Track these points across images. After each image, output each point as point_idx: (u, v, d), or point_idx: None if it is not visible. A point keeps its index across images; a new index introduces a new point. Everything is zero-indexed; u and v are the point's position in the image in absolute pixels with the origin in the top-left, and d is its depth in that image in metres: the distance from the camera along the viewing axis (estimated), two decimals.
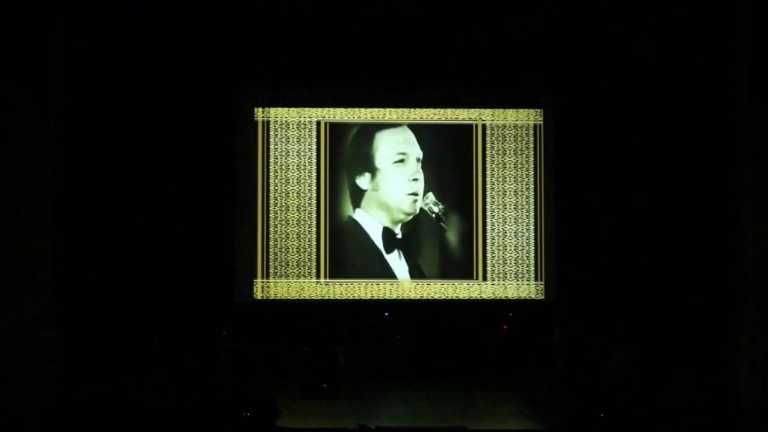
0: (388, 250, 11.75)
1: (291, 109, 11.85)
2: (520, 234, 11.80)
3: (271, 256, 11.72)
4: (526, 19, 10.94)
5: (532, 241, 11.79)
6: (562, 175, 11.70)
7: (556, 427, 8.39)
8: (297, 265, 11.72)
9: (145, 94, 11.11)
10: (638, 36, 10.89)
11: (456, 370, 11.25)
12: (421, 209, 11.76)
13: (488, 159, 11.86)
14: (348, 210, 11.79)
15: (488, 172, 11.85)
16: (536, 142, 11.85)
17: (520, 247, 11.79)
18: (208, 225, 11.41)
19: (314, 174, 11.78)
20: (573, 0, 10.79)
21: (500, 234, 11.81)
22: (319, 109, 11.85)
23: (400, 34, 11.13)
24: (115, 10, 10.40)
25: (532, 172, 11.83)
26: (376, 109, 11.89)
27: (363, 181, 11.78)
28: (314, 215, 11.76)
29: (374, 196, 11.78)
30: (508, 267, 11.78)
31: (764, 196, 9.33)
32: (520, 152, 11.86)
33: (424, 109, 11.89)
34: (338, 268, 11.74)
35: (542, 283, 11.76)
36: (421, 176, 11.75)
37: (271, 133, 11.83)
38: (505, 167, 11.86)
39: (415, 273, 11.78)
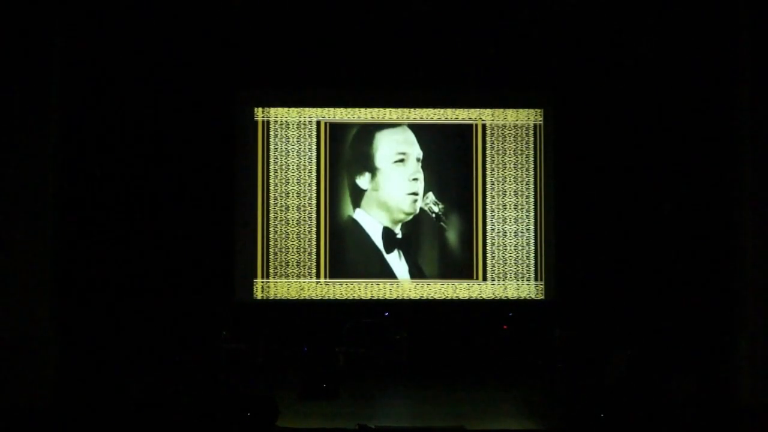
0: (388, 250, 11.75)
1: (291, 109, 11.85)
2: (520, 234, 11.80)
3: (271, 256, 11.72)
4: (526, 19, 10.93)
5: (532, 241, 11.79)
6: (562, 175, 11.70)
7: (556, 427, 8.39)
8: (297, 265, 11.72)
9: (145, 94, 11.10)
10: (638, 36, 10.88)
11: (456, 370, 11.25)
12: (421, 209, 11.76)
13: (488, 159, 11.86)
14: (348, 210, 11.79)
15: (488, 172, 11.84)
16: (536, 142, 11.85)
17: (520, 247, 11.79)
18: (208, 225, 11.41)
19: (314, 174, 11.78)
20: (573, 0, 10.78)
21: (500, 234, 11.81)
22: (319, 109, 11.85)
23: (400, 34, 11.13)
24: (115, 10, 10.39)
25: (532, 172, 11.83)
26: (376, 109, 11.89)
27: (363, 180, 11.78)
28: (314, 215, 11.76)
29: (374, 195, 11.78)
30: (508, 267, 11.78)
31: (764, 196, 9.34)
32: (520, 152, 11.86)
33: (424, 109, 11.89)
34: (338, 268, 11.74)
35: (542, 283, 11.76)
36: (421, 176, 11.75)
37: (271, 133, 11.83)
38: (505, 167, 11.85)
39: (415, 273, 11.78)
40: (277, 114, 11.86)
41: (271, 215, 11.75)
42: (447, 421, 8.64)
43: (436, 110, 11.89)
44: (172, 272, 11.16)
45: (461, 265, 11.79)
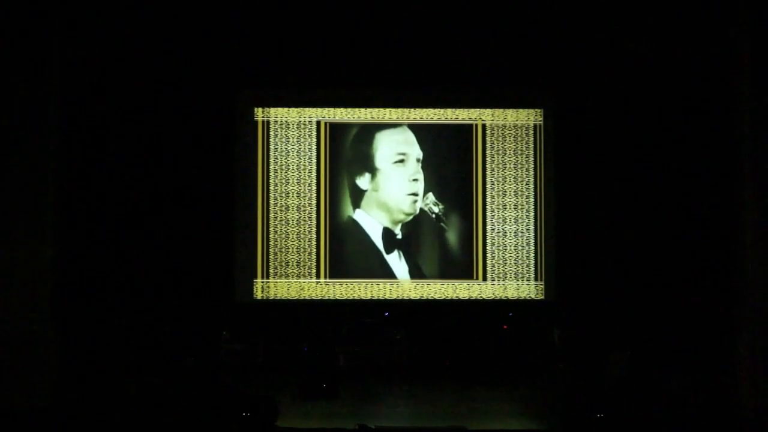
0: (388, 251, 11.75)
1: (291, 109, 11.85)
2: (520, 234, 11.80)
3: (271, 256, 11.72)
4: (527, 20, 10.93)
5: (532, 241, 11.79)
6: (562, 175, 11.70)
7: (556, 427, 8.39)
8: (297, 265, 11.72)
9: (145, 94, 11.10)
10: (638, 36, 10.88)
11: (456, 369, 11.25)
12: (421, 209, 11.75)
13: (488, 159, 11.86)
14: (348, 210, 11.79)
15: (488, 172, 11.84)
16: (536, 142, 11.85)
17: (520, 247, 11.79)
18: (208, 225, 11.41)
19: (314, 174, 11.78)
20: (573, 0, 10.78)
21: (500, 234, 11.81)
22: (319, 109, 11.85)
23: (400, 34, 11.13)
24: (115, 10, 10.39)
25: (532, 172, 11.83)
26: (376, 109, 11.89)
27: (363, 181, 11.78)
28: (314, 215, 11.76)
29: (374, 196, 11.77)
30: (508, 267, 11.78)
31: (764, 195, 9.33)
32: (520, 152, 11.86)
33: (424, 109, 11.89)
34: (338, 268, 11.74)
35: (542, 283, 11.76)
36: (421, 176, 11.75)
37: (271, 133, 11.83)
38: (505, 167, 11.85)
39: (415, 273, 11.78)
40: (277, 114, 11.86)
41: (271, 215, 11.75)
42: (447, 421, 8.64)
43: (436, 110, 11.90)
44: (172, 272, 11.16)
45: (461, 265, 11.79)
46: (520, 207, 11.82)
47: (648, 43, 10.86)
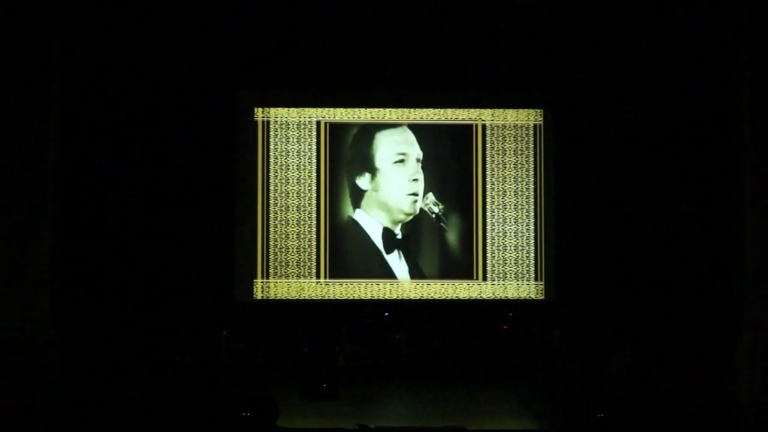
0: (388, 251, 11.75)
1: (291, 109, 11.85)
2: (520, 234, 11.80)
3: (271, 256, 11.71)
4: (527, 20, 10.93)
5: (532, 241, 11.79)
6: (562, 175, 11.70)
7: (556, 427, 8.39)
8: (297, 265, 11.72)
9: (145, 94, 11.10)
10: (638, 36, 10.88)
11: (456, 370, 11.25)
12: (421, 209, 11.75)
13: (488, 159, 11.86)
14: (348, 210, 11.79)
15: (488, 172, 11.84)
16: (536, 142, 11.85)
17: (520, 247, 11.79)
18: (208, 225, 11.40)
19: (314, 174, 11.78)
20: (573, 0, 10.78)
21: (500, 234, 11.81)
22: (319, 109, 11.85)
23: (401, 35, 11.12)
24: (115, 11, 10.39)
25: (532, 172, 11.83)
26: (376, 109, 11.89)
27: (363, 181, 11.78)
28: (314, 215, 11.76)
29: (374, 196, 11.77)
30: (508, 267, 11.78)
31: (764, 195, 9.33)
32: (520, 152, 11.86)
33: (424, 109, 11.89)
34: (338, 268, 11.74)
35: (542, 283, 11.76)
36: (421, 176, 11.75)
37: (271, 133, 11.83)
38: (505, 167, 11.85)
39: (415, 273, 11.78)
40: (277, 114, 11.86)
41: (271, 215, 11.75)
42: (447, 421, 8.64)
43: (436, 110, 11.90)
44: (172, 272, 11.16)
45: (461, 265, 11.78)
46: (520, 207, 11.82)
47: (648, 43, 10.86)
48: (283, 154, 11.80)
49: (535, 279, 11.77)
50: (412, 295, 11.77)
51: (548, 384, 10.62)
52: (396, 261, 11.76)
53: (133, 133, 11.07)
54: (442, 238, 11.80)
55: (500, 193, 11.84)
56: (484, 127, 11.89)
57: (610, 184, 11.37)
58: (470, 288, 11.77)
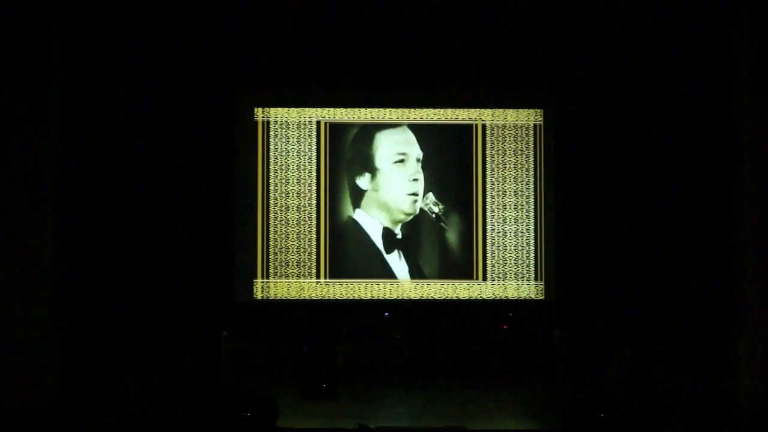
0: (388, 250, 11.75)
1: (291, 109, 11.85)
2: (520, 234, 11.80)
3: (271, 256, 11.71)
4: (526, 19, 10.93)
5: (532, 241, 11.79)
6: (562, 175, 11.70)
7: (556, 427, 8.39)
8: (297, 265, 11.72)
9: (145, 94, 11.10)
10: (638, 36, 10.88)
11: (456, 370, 11.25)
12: (421, 209, 11.75)
13: (488, 159, 11.86)
14: (348, 210, 11.79)
15: (488, 172, 11.84)
16: (536, 142, 11.85)
17: (520, 247, 11.79)
18: (208, 225, 11.40)
19: (314, 174, 11.78)
20: (573, 0, 10.78)
21: (500, 234, 11.81)
22: (319, 109, 11.84)
23: (400, 34, 11.12)
24: (115, 10, 10.39)
25: (532, 172, 11.83)
26: (376, 109, 11.89)
27: (363, 181, 11.78)
28: (314, 215, 11.76)
29: (374, 196, 11.77)
30: (508, 267, 11.78)
31: (764, 195, 9.33)
32: (520, 152, 11.86)
33: (424, 109, 11.89)
34: (338, 268, 11.74)
35: (542, 283, 11.76)
36: (421, 176, 11.75)
37: (271, 133, 11.83)
38: (505, 167, 11.85)
39: (415, 273, 11.78)
40: (277, 114, 11.86)
41: (271, 215, 11.75)
42: (447, 421, 8.64)
43: (436, 110, 11.90)
44: (172, 272, 11.16)
45: (461, 265, 11.78)
46: (520, 207, 11.82)
47: (648, 43, 10.86)
48: (283, 154, 11.80)
49: (535, 279, 11.77)
50: (412, 295, 11.77)
51: (548, 384, 10.62)
52: (396, 261, 11.76)
53: (133, 133, 11.07)
54: (442, 238, 11.80)
55: (500, 193, 11.84)
56: (484, 127, 11.89)
57: (610, 184, 11.37)
58: (470, 288, 11.77)
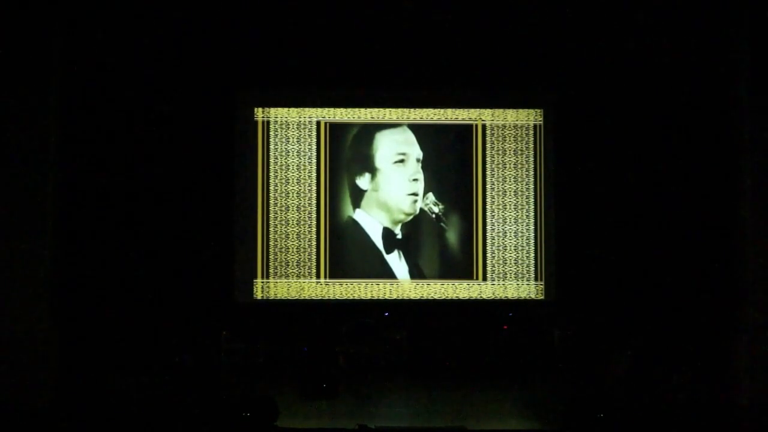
0: (388, 251, 11.75)
1: (291, 109, 11.85)
2: (520, 234, 11.80)
3: (271, 256, 11.71)
4: (527, 19, 10.93)
5: (532, 241, 11.79)
6: (562, 175, 11.70)
7: (556, 427, 8.39)
8: (297, 265, 11.71)
9: (144, 94, 11.09)
10: (638, 36, 10.87)
11: (456, 370, 11.25)
12: (421, 209, 11.75)
13: (488, 159, 11.85)
14: (348, 210, 11.79)
15: (488, 172, 11.84)
16: (536, 142, 11.85)
17: (520, 247, 11.79)
18: (208, 225, 11.40)
19: (314, 174, 11.78)
20: (573, 0, 10.78)
21: (500, 234, 11.81)
22: (319, 109, 11.84)
23: (400, 34, 11.12)
24: (115, 11, 10.39)
25: (532, 172, 11.83)
26: (376, 109, 11.89)
27: (363, 181, 11.78)
28: (314, 215, 11.76)
29: (374, 196, 11.77)
30: (508, 267, 11.78)
31: (764, 195, 9.34)
32: (520, 152, 11.86)
33: (424, 109, 11.89)
34: (338, 268, 11.73)
35: (542, 283, 11.75)
36: (421, 176, 11.75)
37: (271, 133, 11.83)
38: (505, 167, 11.85)
39: (415, 273, 11.78)
40: (277, 114, 11.86)
41: (271, 215, 11.75)
42: (447, 421, 8.64)
43: (436, 110, 11.89)
44: (172, 272, 11.15)
45: (461, 266, 11.78)
46: (520, 207, 11.82)
47: (648, 43, 10.85)
48: (283, 154, 11.80)
49: (535, 279, 11.77)
50: (412, 295, 11.77)
51: (548, 384, 10.62)
52: (396, 261, 11.76)
53: (133, 133, 11.07)
54: (442, 238, 11.80)
55: (500, 193, 11.84)
56: (484, 127, 11.89)
57: (610, 184, 11.36)
58: (470, 288, 11.77)
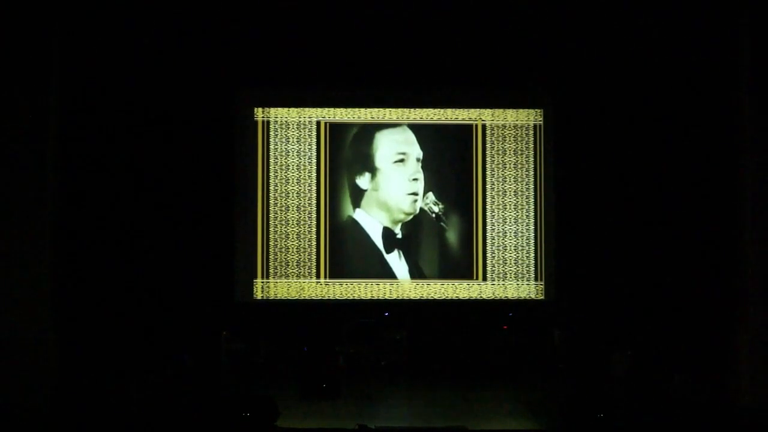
0: (388, 250, 11.75)
1: (291, 109, 11.85)
2: (519, 234, 11.80)
3: (271, 256, 11.71)
4: (527, 19, 10.93)
5: (531, 241, 11.79)
6: (562, 175, 11.70)
7: (556, 427, 8.39)
8: (297, 265, 11.71)
9: (145, 94, 11.10)
10: (639, 36, 10.88)
11: (456, 370, 11.25)
12: (421, 209, 11.75)
13: (488, 159, 11.85)
14: (348, 210, 11.79)
15: (488, 172, 11.84)
16: (536, 142, 11.85)
17: (520, 247, 11.79)
18: (208, 225, 11.41)
19: (314, 174, 11.78)
20: (573, 0, 10.79)
21: (500, 234, 11.81)
22: (319, 109, 11.84)
23: (400, 34, 11.13)
24: (115, 11, 10.39)
25: (532, 172, 11.83)
26: (376, 109, 11.89)
27: (363, 181, 11.78)
28: (314, 215, 11.76)
29: (374, 196, 11.77)
30: (508, 267, 11.78)
31: (764, 195, 9.34)
32: (520, 152, 11.86)
33: (424, 109, 11.89)
34: (338, 268, 11.74)
35: (542, 283, 11.75)
36: (421, 176, 11.75)
37: (271, 133, 11.83)
38: (505, 167, 11.85)
39: (415, 273, 11.78)
40: (277, 114, 11.86)
41: (271, 215, 11.75)
42: (447, 421, 8.64)
43: (436, 110, 11.89)
44: (172, 272, 11.16)
45: (461, 265, 11.78)
46: (520, 207, 11.82)
47: (648, 43, 10.86)
48: (283, 154, 11.80)
49: (535, 279, 11.77)
50: (412, 295, 11.77)
51: (548, 384, 10.62)
52: (396, 261, 11.76)
53: (133, 133, 11.07)
54: (442, 238, 11.80)
55: (500, 193, 11.83)
56: (484, 127, 11.89)
57: (610, 184, 11.37)
58: (470, 288, 11.77)
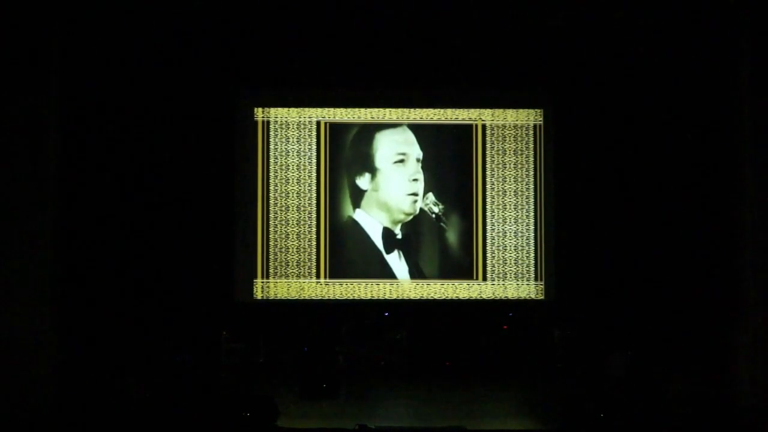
0: (388, 251, 11.75)
1: (291, 109, 11.85)
2: (519, 234, 11.80)
3: (271, 256, 11.72)
4: (527, 19, 10.93)
5: (531, 241, 11.79)
6: (562, 175, 11.70)
7: (556, 427, 8.39)
8: (297, 265, 11.72)
9: (145, 94, 11.10)
10: (638, 36, 10.87)
11: (456, 370, 11.25)
12: (421, 209, 11.75)
13: (488, 159, 11.86)
14: (348, 210, 11.79)
15: (488, 172, 11.84)
16: (536, 142, 11.85)
17: (519, 247, 11.79)
18: (208, 225, 11.41)
19: (314, 174, 11.78)
20: (573, 0, 10.78)
21: (500, 234, 11.81)
22: (319, 109, 11.85)
23: (400, 34, 11.12)
24: (115, 11, 10.38)
25: (532, 172, 11.83)
26: (376, 109, 11.89)
27: (363, 181, 11.78)
28: (314, 215, 11.76)
29: (374, 196, 11.78)
30: (508, 267, 11.78)
31: (764, 195, 9.33)
32: (520, 152, 11.86)
33: (424, 109, 11.89)
34: (338, 269, 11.74)
35: (542, 283, 11.75)
36: (421, 176, 11.75)
37: (271, 133, 11.83)
38: (505, 167, 11.86)
39: (415, 273, 11.78)
40: (277, 114, 11.86)
41: (271, 215, 11.75)
42: (447, 421, 8.64)
43: (436, 110, 11.90)
44: (172, 272, 11.16)
45: (461, 265, 11.78)
46: (520, 207, 11.82)
47: (648, 43, 10.85)
48: (283, 154, 11.81)
49: (535, 279, 11.77)
50: (412, 295, 11.77)
51: (548, 384, 10.62)
52: (396, 261, 11.76)
53: (133, 133, 11.07)
54: (442, 238, 11.80)
55: (500, 193, 11.84)
56: (484, 127, 11.89)
57: (610, 184, 11.37)
58: (470, 288, 11.77)
